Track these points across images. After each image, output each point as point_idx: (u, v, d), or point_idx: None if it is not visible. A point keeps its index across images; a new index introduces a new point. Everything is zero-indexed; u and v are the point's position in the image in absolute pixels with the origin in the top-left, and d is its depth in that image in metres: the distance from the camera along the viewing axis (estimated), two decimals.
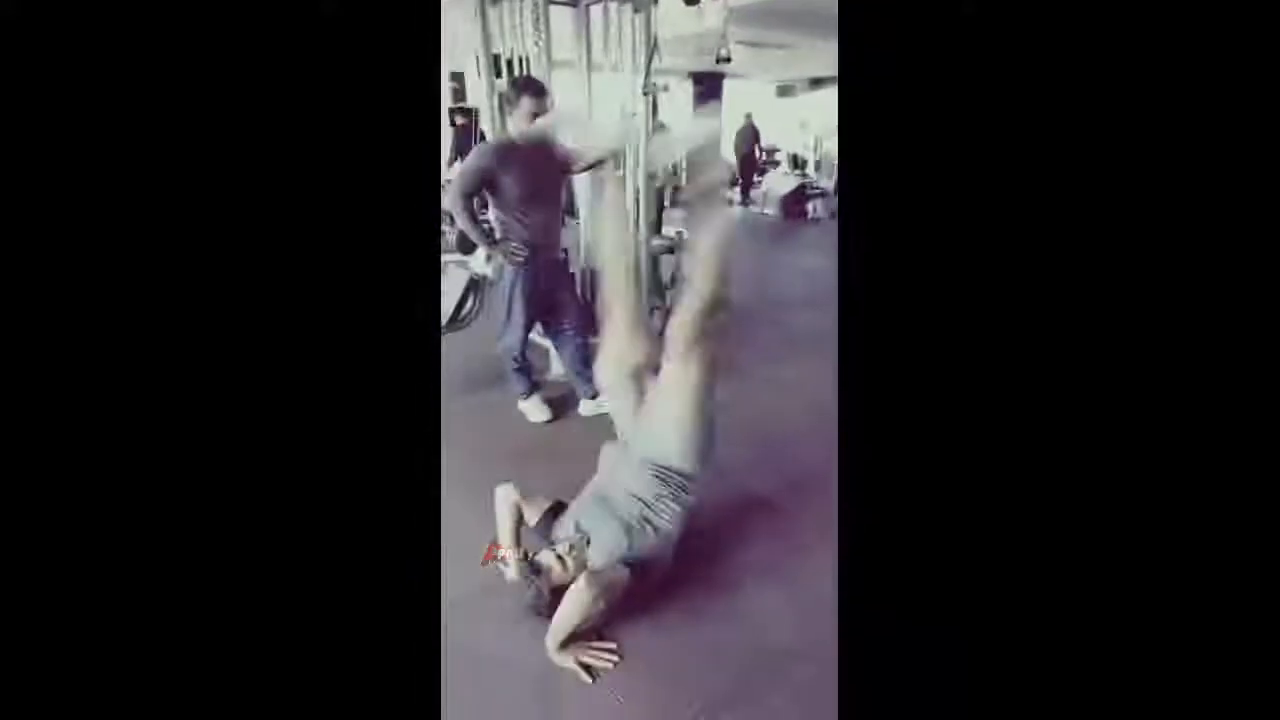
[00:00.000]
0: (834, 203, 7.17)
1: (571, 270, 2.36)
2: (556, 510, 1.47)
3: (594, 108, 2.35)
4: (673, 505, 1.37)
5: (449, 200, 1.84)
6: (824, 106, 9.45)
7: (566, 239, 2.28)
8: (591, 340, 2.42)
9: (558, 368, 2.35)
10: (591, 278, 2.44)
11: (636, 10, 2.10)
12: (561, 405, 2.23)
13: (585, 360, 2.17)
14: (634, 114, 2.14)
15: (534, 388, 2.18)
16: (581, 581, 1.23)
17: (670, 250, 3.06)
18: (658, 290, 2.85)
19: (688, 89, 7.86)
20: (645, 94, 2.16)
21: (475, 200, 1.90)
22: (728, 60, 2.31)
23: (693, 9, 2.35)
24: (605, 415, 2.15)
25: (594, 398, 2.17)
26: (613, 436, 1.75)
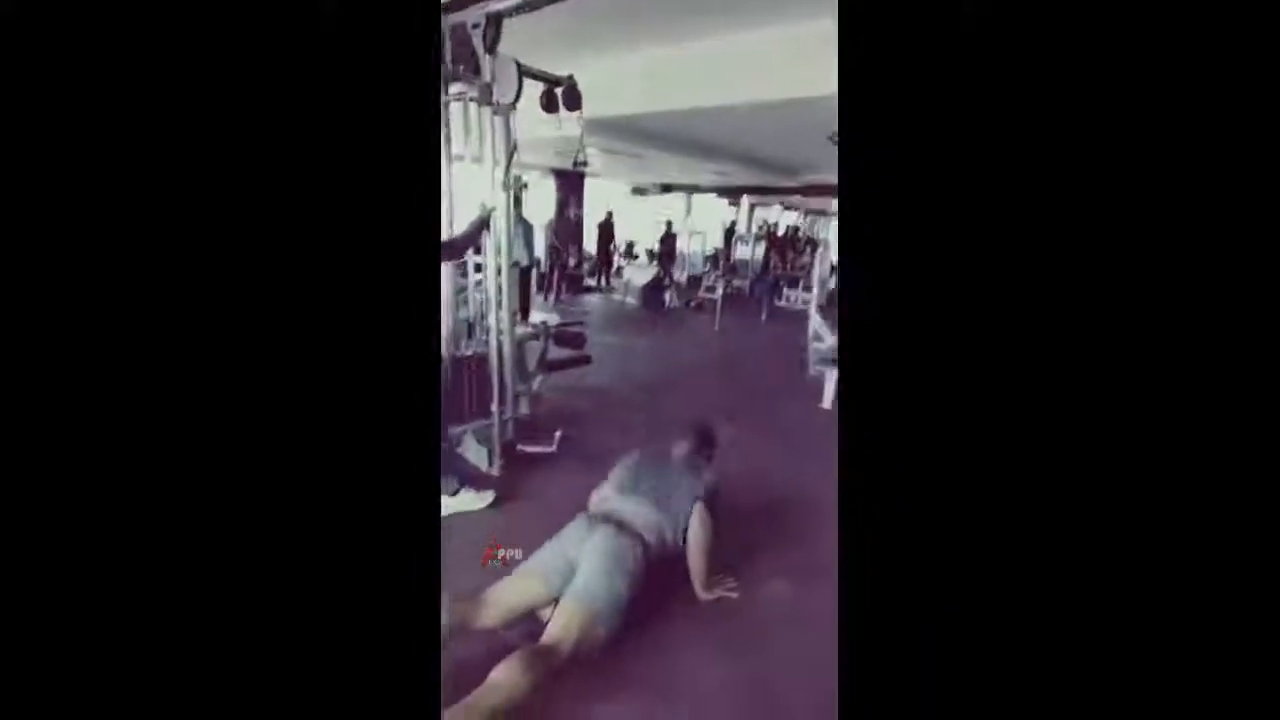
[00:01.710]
0: (688, 293, 7.80)
1: None
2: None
3: (454, 198, 2.36)
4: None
5: None
6: (673, 207, 10.50)
7: None
8: (452, 431, 2.27)
9: None
10: (452, 368, 2.33)
11: (496, 113, 2.20)
12: None
13: (447, 454, 2.01)
14: (493, 207, 2.18)
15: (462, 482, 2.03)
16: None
17: (536, 337, 3.06)
18: (523, 377, 2.80)
19: (549, 185, 8.29)
20: (506, 189, 2.22)
21: None
22: (585, 164, 2.49)
23: (552, 116, 2.52)
24: (464, 514, 2.00)
25: (454, 493, 2.00)
26: (473, 535, 1.61)
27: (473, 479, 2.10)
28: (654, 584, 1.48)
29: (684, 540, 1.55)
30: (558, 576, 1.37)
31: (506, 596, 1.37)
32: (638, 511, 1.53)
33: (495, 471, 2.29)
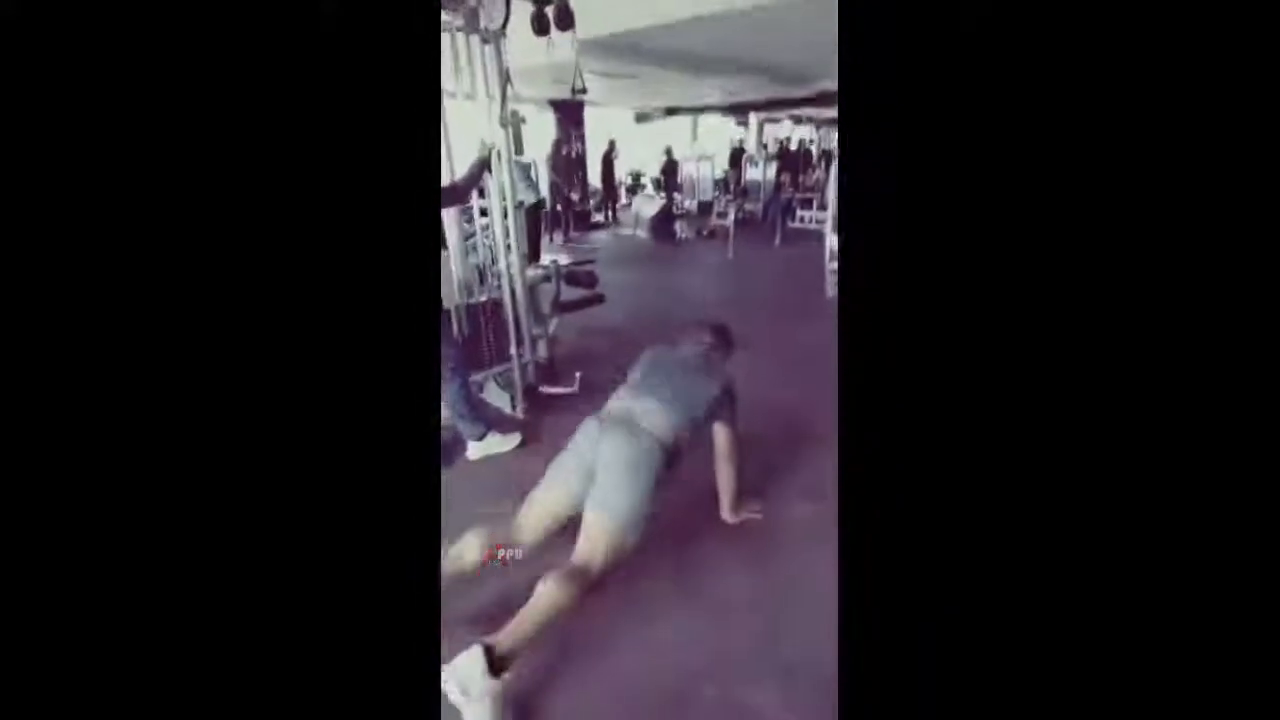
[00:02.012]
0: (698, 221, 7.59)
1: (445, 308, 2.23)
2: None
3: (450, 136, 2.27)
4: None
5: None
6: (675, 133, 10.01)
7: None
8: (473, 378, 2.30)
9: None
10: (465, 314, 2.33)
11: (485, 40, 2.07)
12: (446, 454, 2.08)
13: (468, 400, 2.05)
14: (492, 146, 2.09)
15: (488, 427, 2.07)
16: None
17: (548, 279, 3.03)
18: (538, 319, 2.80)
19: (547, 119, 7.93)
20: (502, 126, 2.13)
21: None
22: (583, 91, 2.35)
23: (543, 40, 2.37)
24: (495, 457, 2.06)
25: (480, 438, 2.05)
26: (501, 479, 1.66)
27: (498, 423, 2.16)
28: (681, 502, 1.53)
29: (690, 439, 1.48)
30: (579, 483, 1.37)
31: (536, 512, 1.39)
32: (650, 410, 1.45)
33: (519, 414, 2.34)
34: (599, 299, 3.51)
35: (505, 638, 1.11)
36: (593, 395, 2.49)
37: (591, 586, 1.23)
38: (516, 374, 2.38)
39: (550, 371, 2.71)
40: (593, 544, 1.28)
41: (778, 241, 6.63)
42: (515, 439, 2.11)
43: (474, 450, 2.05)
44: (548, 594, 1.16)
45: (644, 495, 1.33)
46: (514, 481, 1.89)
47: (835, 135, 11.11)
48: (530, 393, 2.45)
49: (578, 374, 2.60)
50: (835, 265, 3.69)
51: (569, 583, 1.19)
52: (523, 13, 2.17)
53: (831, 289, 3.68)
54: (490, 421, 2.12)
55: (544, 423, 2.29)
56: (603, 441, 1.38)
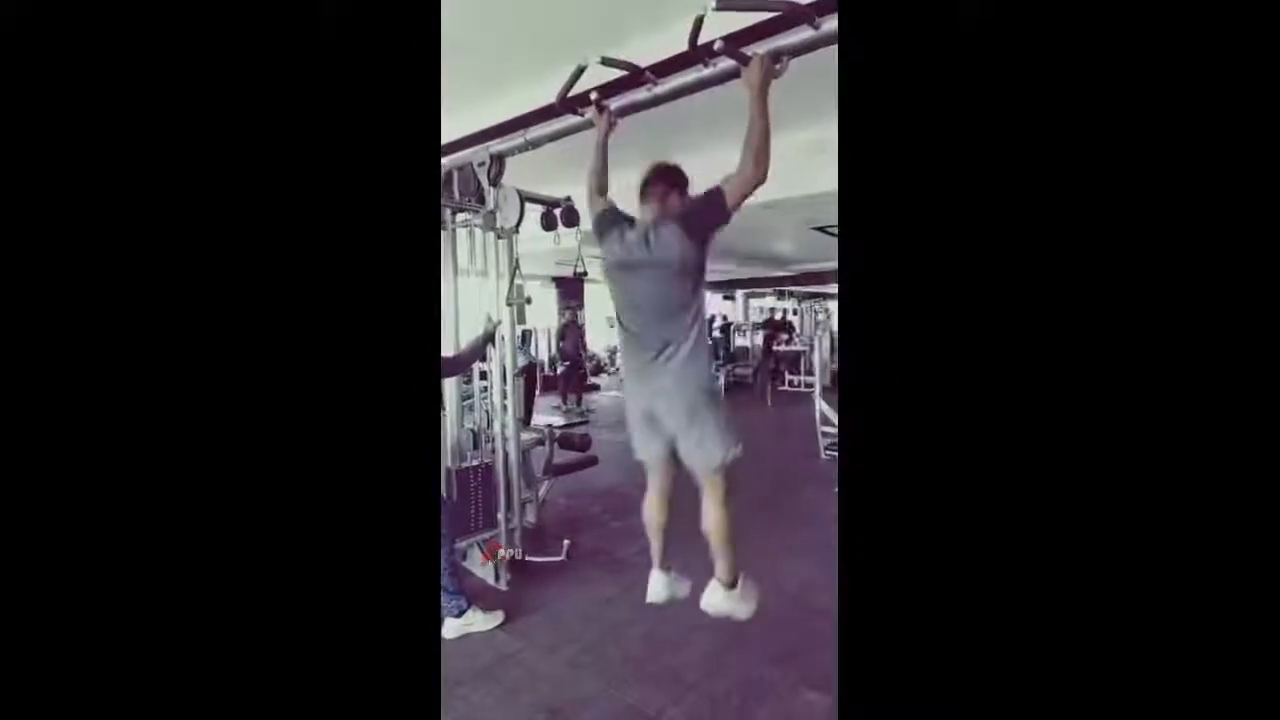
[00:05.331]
0: None
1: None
2: None
3: (462, 309, 2.47)
4: None
5: None
6: None
7: None
8: (458, 545, 2.20)
9: None
10: (456, 479, 2.32)
11: (499, 237, 2.36)
12: None
13: (451, 570, 1.94)
14: (498, 322, 2.27)
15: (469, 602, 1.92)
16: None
17: (541, 443, 3.06)
18: (529, 483, 2.76)
19: (550, 291, 8.67)
20: (509, 304, 2.34)
21: None
22: (584, 274, 2.63)
23: (550, 233, 2.70)
24: (473, 635, 1.88)
25: (460, 614, 1.90)
26: (484, 659, 1.51)
27: (480, 596, 2.02)
28: None
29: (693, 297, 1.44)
30: (665, 442, 1.46)
31: (656, 485, 1.53)
32: (657, 400, 1.43)
33: (503, 586, 2.20)
34: (593, 461, 3.51)
35: (722, 570, 1.44)
36: (581, 562, 2.37)
37: (730, 496, 1.44)
38: (503, 542, 2.28)
39: (539, 537, 2.60)
40: (710, 478, 1.43)
41: (769, 402, 6.81)
42: (498, 617, 1.96)
43: (450, 628, 1.89)
44: (718, 522, 1.41)
45: (715, 423, 1.42)
46: (494, 670, 1.70)
47: (813, 307, 12.02)
48: (516, 562, 2.32)
49: (566, 541, 2.50)
50: (826, 429, 3.76)
51: (722, 507, 1.42)
52: (534, 210, 2.51)
53: (824, 452, 3.71)
54: (472, 596, 1.98)
55: (529, 594, 2.14)
56: (655, 407, 1.44)
